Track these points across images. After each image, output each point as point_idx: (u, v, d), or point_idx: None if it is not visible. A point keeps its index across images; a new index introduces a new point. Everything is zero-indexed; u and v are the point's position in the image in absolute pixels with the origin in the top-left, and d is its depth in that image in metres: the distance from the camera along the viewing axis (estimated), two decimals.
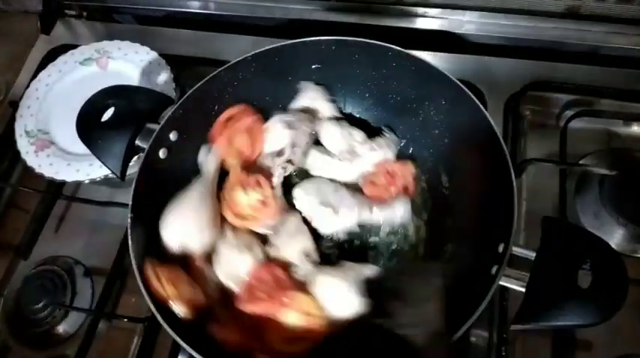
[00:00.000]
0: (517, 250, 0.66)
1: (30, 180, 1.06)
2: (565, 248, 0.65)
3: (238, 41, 1.20)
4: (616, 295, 0.62)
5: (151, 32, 1.24)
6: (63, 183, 1.04)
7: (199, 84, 0.83)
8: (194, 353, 0.65)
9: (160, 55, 1.14)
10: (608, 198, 0.93)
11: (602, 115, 1.02)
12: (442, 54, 1.12)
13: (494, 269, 0.67)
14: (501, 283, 0.65)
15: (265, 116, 0.94)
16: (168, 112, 0.81)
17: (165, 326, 0.68)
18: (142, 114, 0.81)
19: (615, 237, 0.91)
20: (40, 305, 0.93)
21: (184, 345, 0.66)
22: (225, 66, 0.85)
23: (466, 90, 0.80)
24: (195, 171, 0.88)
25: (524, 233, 0.95)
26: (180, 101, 0.82)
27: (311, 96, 0.93)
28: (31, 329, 0.93)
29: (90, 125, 0.80)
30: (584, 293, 0.61)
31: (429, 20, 1.17)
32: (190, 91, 0.82)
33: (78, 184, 1.06)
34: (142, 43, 1.16)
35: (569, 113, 1.02)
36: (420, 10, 1.16)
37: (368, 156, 0.91)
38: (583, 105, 1.03)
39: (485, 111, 0.77)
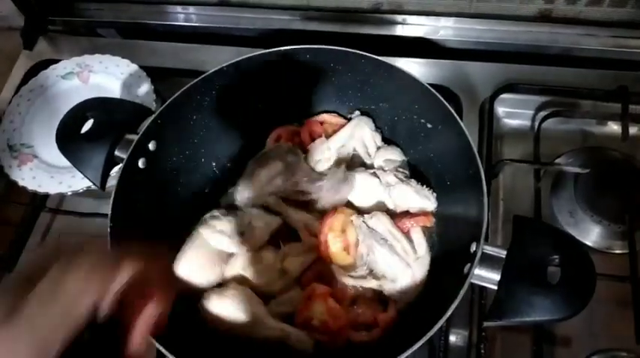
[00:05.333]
0: (489, 249, 0.67)
1: (14, 193, 1.07)
2: (535, 245, 0.67)
3: (220, 52, 1.22)
4: (584, 289, 0.64)
5: (133, 45, 1.26)
6: (46, 196, 1.05)
7: (176, 94, 0.84)
8: None
9: (143, 67, 1.15)
10: (582, 196, 0.95)
11: (575, 115, 1.04)
12: (419, 59, 1.14)
13: (466, 268, 0.68)
14: (473, 281, 0.67)
15: (240, 119, 0.96)
16: (146, 123, 0.82)
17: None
18: (120, 125, 0.82)
19: (591, 235, 0.93)
20: None
21: (165, 352, 0.67)
22: (202, 76, 0.86)
23: (435, 93, 0.81)
24: (174, 181, 0.90)
25: (501, 232, 0.97)
26: (159, 111, 0.83)
27: (357, 124, 0.95)
28: None
29: (69, 137, 0.82)
30: (553, 289, 0.63)
31: (406, 27, 1.19)
32: (168, 101, 0.83)
33: (62, 196, 1.07)
34: (125, 57, 1.17)
35: (542, 114, 1.04)
36: (397, 17, 1.18)
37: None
38: (556, 106, 1.05)
39: (452, 110, 0.79)
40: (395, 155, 0.93)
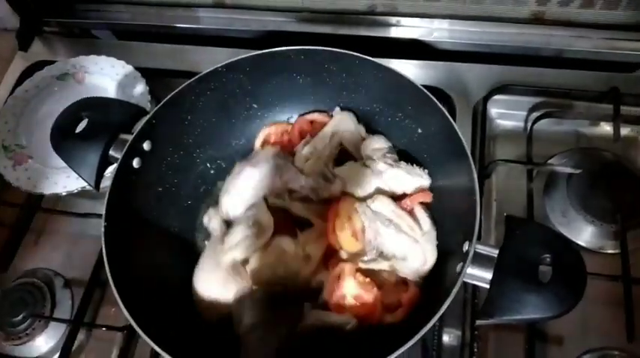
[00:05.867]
0: (481, 248, 0.68)
1: (9, 193, 1.07)
2: (526, 244, 0.67)
3: (215, 53, 1.22)
4: (575, 288, 0.64)
5: (128, 47, 1.27)
6: (41, 196, 1.05)
7: (171, 94, 0.85)
8: None
9: (138, 68, 1.15)
10: (574, 196, 0.96)
11: (567, 116, 1.05)
12: (413, 61, 1.15)
13: (458, 267, 0.68)
14: (466, 280, 0.67)
15: (235, 120, 0.98)
16: (141, 123, 0.83)
17: (141, 333, 0.69)
18: (115, 125, 0.82)
19: (583, 235, 0.94)
20: (20, 317, 0.93)
21: (161, 351, 0.67)
22: (197, 76, 0.86)
23: (429, 94, 0.82)
24: (168, 181, 0.90)
25: (494, 233, 0.97)
26: (153, 111, 0.83)
27: (339, 120, 0.96)
28: (11, 342, 0.94)
29: (64, 137, 0.82)
30: (544, 287, 0.63)
31: (400, 29, 1.19)
32: (163, 102, 0.84)
33: (57, 197, 1.07)
34: (120, 58, 1.17)
35: (535, 115, 1.05)
36: (391, 19, 1.19)
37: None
38: (549, 108, 1.06)
39: (446, 113, 0.79)
40: (380, 143, 0.94)
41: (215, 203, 0.95)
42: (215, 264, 0.84)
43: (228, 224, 0.91)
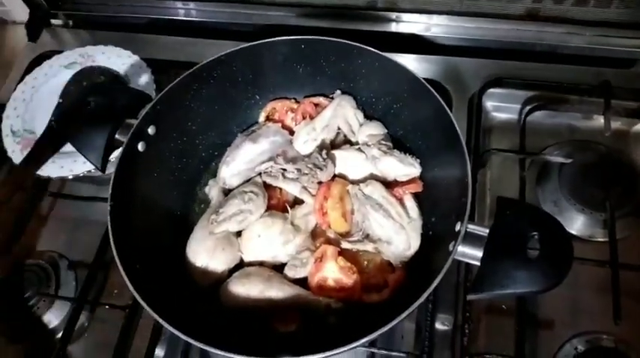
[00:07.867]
0: (472, 227, 0.71)
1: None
2: (515, 223, 0.70)
3: (219, 46, 1.22)
4: (561, 264, 0.66)
5: (134, 38, 1.29)
6: (48, 181, 1.08)
7: (175, 81, 0.88)
8: (174, 331, 0.68)
9: (143, 59, 1.18)
10: (566, 186, 0.99)
11: (559, 109, 1.08)
12: (411, 55, 1.17)
13: (451, 246, 0.71)
14: (457, 258, 0.70)
15: (237, 109, 1.01)
16: (146, 108, 0.85)
17: (145, 306, 0.70)
18: (121, 110, 0.85)
19: (575, 223, 0.97)
20: (26, 296, 0.96)
21: (165, 323, 0.69)
22: (200, 64, 0.89)
23: (425, 83, 0.85)
24: (172, 165, 0.93)
25: (489, 221, 0.99)
26: (157, 97, 0.86)
27: (338, 104, 0.98)
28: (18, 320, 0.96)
29: (71, 120, 0.84)
30: (532, 264, 0.66)
31: (400, 24, 1.23)
32: (167, 88, 0.87)
33: (63, 181, 1.10)
34: (126, 49, 1.20)
35: (529, 107, 1.08)
36: (391, 14, 1.22)
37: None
38: (542, 101, 1.09)
39: (441, 100, 0.82)
40: (377, 129, 0.97)
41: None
42: (207, 233, 0.87)
43: (226, 193, 0.94)
